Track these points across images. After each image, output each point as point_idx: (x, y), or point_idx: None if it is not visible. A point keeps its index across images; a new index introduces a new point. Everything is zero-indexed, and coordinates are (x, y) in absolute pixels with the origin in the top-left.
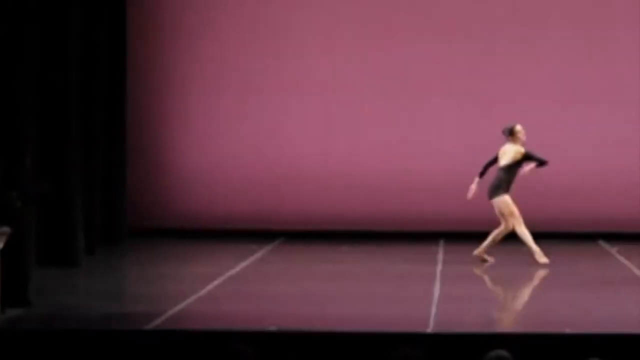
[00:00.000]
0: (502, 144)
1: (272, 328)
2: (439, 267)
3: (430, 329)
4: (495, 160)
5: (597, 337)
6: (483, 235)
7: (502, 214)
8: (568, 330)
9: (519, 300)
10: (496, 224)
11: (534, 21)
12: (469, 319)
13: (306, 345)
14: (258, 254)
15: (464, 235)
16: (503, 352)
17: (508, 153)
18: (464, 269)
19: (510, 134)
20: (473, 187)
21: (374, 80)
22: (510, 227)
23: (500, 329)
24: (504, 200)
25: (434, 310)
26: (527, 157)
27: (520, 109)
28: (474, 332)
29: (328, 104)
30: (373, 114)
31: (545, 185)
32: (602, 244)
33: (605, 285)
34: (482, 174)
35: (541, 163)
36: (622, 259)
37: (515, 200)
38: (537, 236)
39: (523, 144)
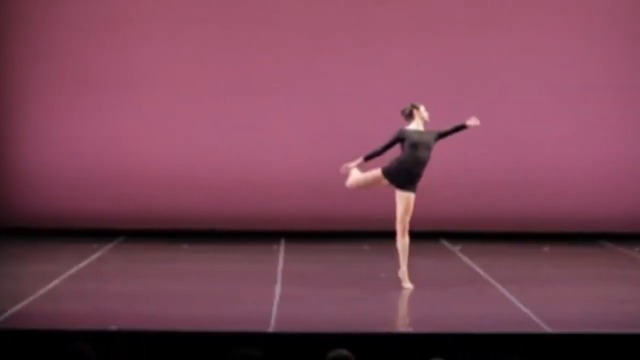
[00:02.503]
0: (339, 142)
1: (113, 327)
2: (280, 266)
3: (271, 329)
4: (397, 141)
5: (440, 337)
6: (325, 235)
7: (407, 212)
8: (411, 329)
9: (362, 300)
10: (344, 223)
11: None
12: (310, 319)
13: (147, 345)
14: (98, 253)
15: (305, 235)
16: (345, 352)
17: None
18: (305, 268)
19: (410, 115)
20: (351, 164)
21: (213, 78)
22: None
23: (342, 329)
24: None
25: (275, 309)
26: (440, 136)
27: (356, 108)
28: (315, 331)
29: (168, 102)
30: (214, 112)
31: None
32: (445, 242)
33: (448, 284)
34: (371, 157)
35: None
36: (464, 258)
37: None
38: (379, 235)
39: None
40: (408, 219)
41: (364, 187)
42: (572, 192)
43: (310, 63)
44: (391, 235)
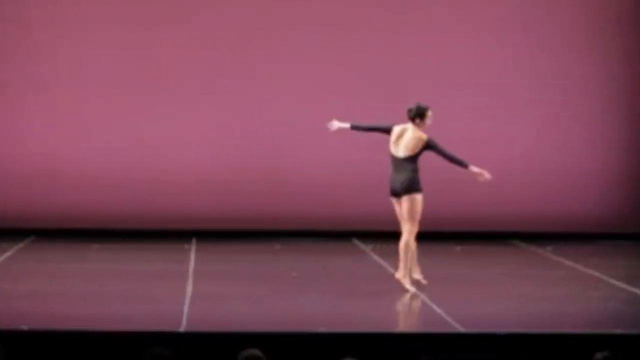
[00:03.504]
0: (250, 141)
1: (24, 327)
2: (192, 266)
3: (182, 328)
4: (384, 131)
5: (352, 337)
6: (236, 234)
7: (410, 215)
8: (322, 329)
9: (273, 299)
10: (255, 222)
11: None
12: (222, 318)
13: (58, 345)
14: (8, 253)
15: (216, 234)
16: (256, 352)
17: (409, 140)
18: (216, 267)
19: (420, 117)
20: (339, 124)
21: (123, 77)
22: (413, 234)
23: (254, 328)
24: (419, 199)
25: (186, 309)
26: (431, 148)
27: (267, 108)
28: (227, 331)
29: (78, 101)
30: (125, 112)
31: (297, 183)
32: (357, 242)
33: (360, 284)
34: (357, 128)
35: (460, 164)
36: (376, 257)
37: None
38: (291, 234)
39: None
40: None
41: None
42: (485, 191)
43: (221, 62)
44: (303, 234)
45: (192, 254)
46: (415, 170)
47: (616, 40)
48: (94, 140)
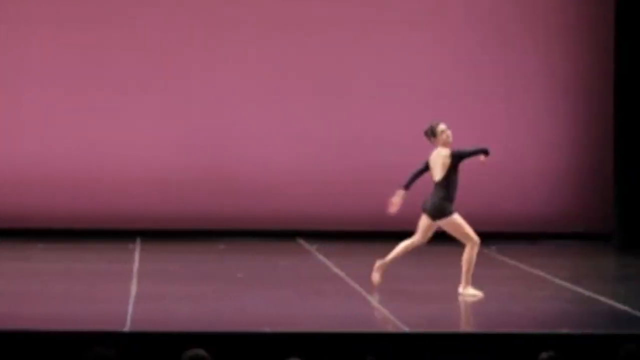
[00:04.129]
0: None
1: None
2: (136, 266)
3: (126, 328)
4: (425, 169)
5: (296, 336)
6: (180, 234)
7: (459, 235)
8: (267, 329)
9: (218, 299)
10: (199, 221)
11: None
12: (166, 318)
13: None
14: None
15: (161, 234)
16: (201, 352)
17: (437, 161)
18: (161, 267)
19: (433, 135)
20: (397, 199)
21: (65, 75)
22: (474, 247)
23: (198, 328)
24: (454, 221)
25: (130, 309)
26: (457, 158)
27: (209, 106)
28: (171, 331)
29: (16, 100)
30: (67, 110)
31: (241, 182)
32: (302, 242)
33: (305, 283)
34: (408, 185)
35: (482, 152)
36: (321, 257)
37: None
38: (235, 234)
39: (448, 145)
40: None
41: (427, 235)
42: (428, 191)
43: (163, 61)
44: (248, 233)
45: (137, 253)
46: (445, 198)
47: (559, 40)
48: (35, 139)
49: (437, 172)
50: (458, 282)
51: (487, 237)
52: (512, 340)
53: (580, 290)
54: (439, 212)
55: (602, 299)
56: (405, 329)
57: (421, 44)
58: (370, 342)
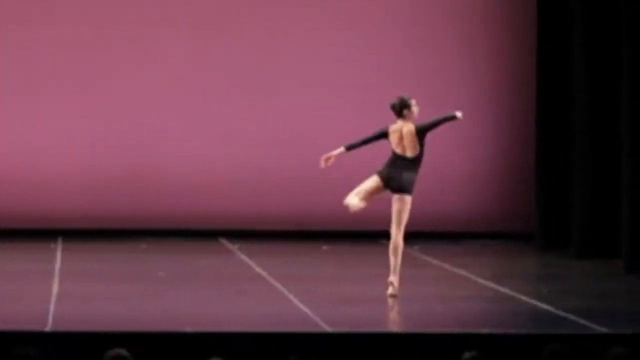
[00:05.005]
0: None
1: None
2: (58, 265)
3: (48, 328)
4: (377, 138)
5: (218, 336)
6: (102, 233)
7: (401, 219)
8: (189, 328)
9: (140, 298)
10: (121, 221)
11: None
12: (88, 317)
13: None
14: None
15: (83, 233)
16: (123, 351)
17: (407, 137)
18: (83, 266)
19: (407, 107)
20: (333, 155)
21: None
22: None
23: (121, 328)
24: (408, 202)
25: (52, 308)
26: (423, 130)
27: (132, 104)
28: (93, 330)
29: None
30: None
31: (163, 181)
32: (224, 241)
33: (227, 283)
34: (350, 148)
35: (448, 119)
36: (243, 256)
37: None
38: (157, 233)
39: (413, 120)
40: (403, 222)
41: (367, 198)
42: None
43: (83, 61)
44: (170, 233)
45: (58, 253)
46: (416, 175)
47: (483, 41)
48: None
49: (409, 148)
50: (380, 282)
51: (410, 237)
52: (435, 340)
53: (503, 289)
54: (408, 187)
55: (525, 298)
56: (328, 328)
57: (346, 44)
58: (293, 342)
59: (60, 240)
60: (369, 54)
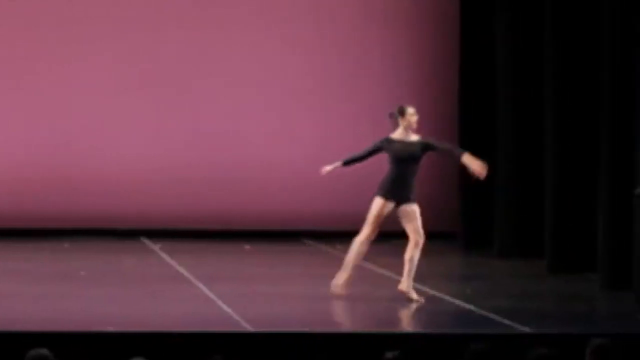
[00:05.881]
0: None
1: None
2: None
3: None
4: (379, 149)
5: (140, 336)
6: (24, 232)
7: (411, 223)
8: (111, 328)
9: (61, 298)
10: (43, 220)
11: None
12: (9, 317)
13: None
14: None
15: (3, 232)
16: (44, 351)
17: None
18: (3, 266)
19: (401, 115)
20: (330, 167)
21: None
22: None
23: (42, 328)
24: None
25: None
26: (429, 148)
27: (64, 103)
28: (14, 330)
29: None
30: None
31: (85, 181)
32: (146, 241)
33: (149, 282)
34: (351, 161)
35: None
36: (165, 256)
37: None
38: (79, 233)
39: (412, 130)
40: (416, 229)
41: (377, 224)
42: (275, 189)
43: (9, 57)
44: (91, 232)
45: None
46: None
47: (405, 40)
48: None
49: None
50: (302, 282)
51: (333, 236)
52: (357, 340)
53: (426, 289)
54: (412, 194)
55: (448, 298)
56: (250, 328)
57: (270, 44)
58: (215, 342)
59: None
60: (292, 54)
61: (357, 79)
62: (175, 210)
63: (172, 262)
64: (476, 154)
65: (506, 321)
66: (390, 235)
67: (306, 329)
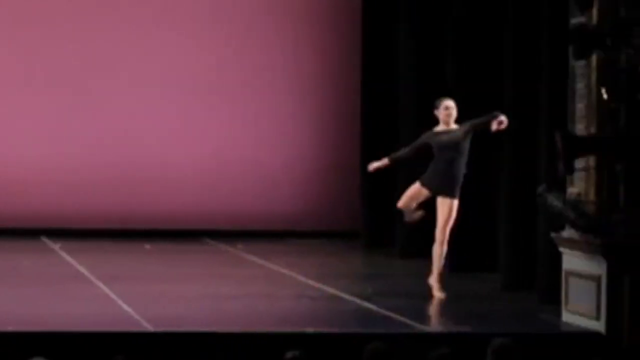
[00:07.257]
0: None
1: None
2: None
3: None
4: (425, 145)
5: (41, 336)
6: None
7: (446, 219)
8: (11, 328)
9: None
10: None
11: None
12: None
13: None
14: None
15: None
16: None
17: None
18: None
19: (436, 108)
20: (379, 163)
21: None
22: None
23: None
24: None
25: None
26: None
27: None
28: None
29: None
30: None
31: None
32: (46, 240)
33: (49, 282)
34: (398, 159)
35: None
36: (65, 255)
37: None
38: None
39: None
40: (449, 227)
41: (414, 201)
42: (176, 188)
43: None
44: (22, 232)
45: None
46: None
47: (307, 37)
48: None
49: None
50: (203, 281)
51: (234, 236)
52: (258, 340)
53: (326, 288)
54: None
55: (349, 297)
56: (150, 328)
57: (172, 44)
58: (116, 342)
59: None
60: (194, 53)
61: (258, 76)
62: (75, 209)
63: (73, 262)
64: (378, 147)
65: (407, 320)
66: (292, 235)
67: (207, 329)
